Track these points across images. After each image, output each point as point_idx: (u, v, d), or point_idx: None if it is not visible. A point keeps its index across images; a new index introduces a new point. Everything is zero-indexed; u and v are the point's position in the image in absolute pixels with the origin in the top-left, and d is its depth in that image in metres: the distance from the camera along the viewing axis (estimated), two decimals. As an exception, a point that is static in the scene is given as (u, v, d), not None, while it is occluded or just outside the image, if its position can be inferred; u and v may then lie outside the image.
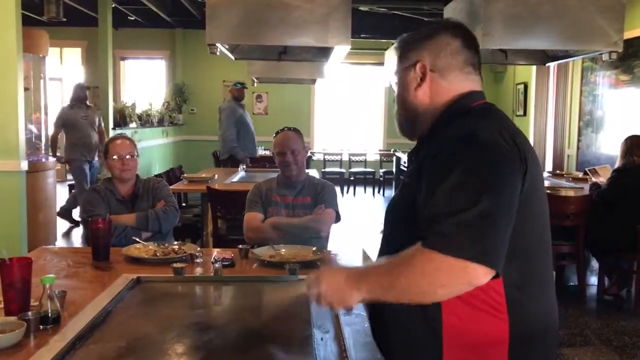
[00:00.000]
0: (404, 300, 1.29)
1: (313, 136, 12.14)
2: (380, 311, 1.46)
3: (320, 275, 1.41)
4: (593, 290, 5.01)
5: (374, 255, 1.58)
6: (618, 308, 4.72)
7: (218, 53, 3.40)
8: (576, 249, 4.69)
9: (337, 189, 3.36)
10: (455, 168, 1.24)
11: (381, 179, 10.77)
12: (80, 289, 2.12)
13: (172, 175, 5.85)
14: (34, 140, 6.54)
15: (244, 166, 6.43)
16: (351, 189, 10.77)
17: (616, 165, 4.79)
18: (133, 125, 9.25)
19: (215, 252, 2.65)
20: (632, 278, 4.80)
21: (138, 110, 9.87)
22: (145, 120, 10.01)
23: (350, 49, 3.31)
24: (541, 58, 4.54)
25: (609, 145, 6.79)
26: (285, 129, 3.20)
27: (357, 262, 2.47)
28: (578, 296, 4.75)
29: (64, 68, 12.06)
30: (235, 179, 5.65)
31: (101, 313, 1.82)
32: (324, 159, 11.17)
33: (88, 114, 7.21)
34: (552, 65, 5.88)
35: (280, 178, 3.17)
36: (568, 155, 8.00)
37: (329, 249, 2.89)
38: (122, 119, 9.07)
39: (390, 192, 10.43)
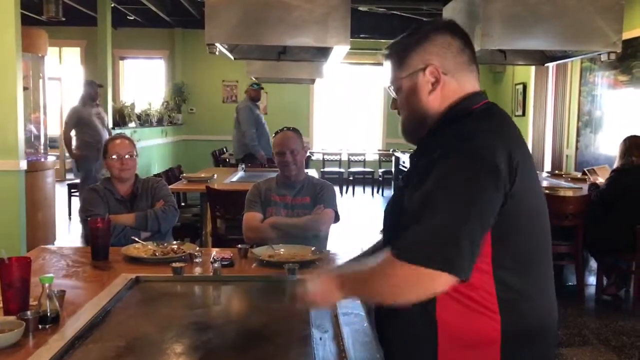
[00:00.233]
0: (381, 303, 1.42)
1: (312, 136, 12.14)
2: (383, 310, 1.47)
3: (312, 283, 1.47)
4: (591, 290, 5.01)
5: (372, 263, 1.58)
6: (616, 308, 4.72)
7: (217, 53, 3.40)
8: (575, 249, 4.70)
9: (336, 188, 3.36)
10: (433, 177, 1.28)
11: (380, 178, 10.77)
12: (79, 288, 2.13)
13: (171, 175, 5.85)
14: (33, 139, 6.54)
15: (244, 166, 6.43)
16: (350, 188, 10.77)
17: (615, 166, 4.80)
18: (132, 124, 9.25)
19: (215, 252, 2.65)
20: (630, 278, 4.81)
21: (137, 110, 9.88)
22: (144, 120, 10.01)
23: (350, 49, 3.31)
24: (540, 58, 4.54)
25: (607, 146, 6.79)
26: (285, 128, 3.21)
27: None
28: (577, 296, 4.76)
29: (63, 67, 12.05)
30: (235, 178, 5.66)
31: (100, 313, 1.82)
32: (323, 158, 11.17)
33: (99, 112, 7.20)
34: (551, 65, 5.89)
35: (279, 178, 3.17)
36: (567, 156, 8.01)
37: (328, 248, 2.90)
38: (121, 118, 9.07)
39: (389, 192, 10.43)
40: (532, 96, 9.16)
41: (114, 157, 3.14)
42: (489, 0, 3.38)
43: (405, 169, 7.49)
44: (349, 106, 12.32)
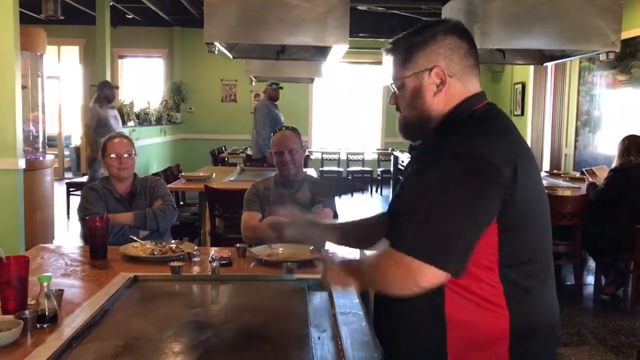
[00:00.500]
0: (376, 290, 1.49)
1: (311, 135, 12.14)
2: (386, 303, 1.46)
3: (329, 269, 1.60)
4: (590, 289, 5.02)
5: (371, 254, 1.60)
6: (615, 307, 4.73)
7: (216, 52, 3.40)
8: (573, 249, 4.70)
9: (335, 188, 3.36)
10: (429, 175, 1.32)
11: (379, 178, 10.77)
12: (77, 287, 2.13)
13: (169, 174, 5.85)
14: (31, 138, 6.53)
15: (242, 165, 6.43)
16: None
17: (613, 165, 4.80)
18: (131, 123, 9.24)
19: (213, 251, 2.64)
20: (628, 277, 4.82)
21: (136, 109, 9.87)
22: (143, 119, 10.01)
23: (348, 48, 3.31)
24: (539, 58, 4.55)
25: (606, 145, 6.80)
26: (283, 128, 3.20)
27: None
28: (575, 295, 4.77)
29: (62, 66, 12.04)
30: (233, 178, 5.66)
31: (98, 312, 1.82)
32: (322, 158, 11.17)
33: (115, 114, 7.25)
34: (550, 65, 5.89)
35: (278, 177, 3.17)
36: (565, 155, 8.02)
37: (326, 248, 2.89)
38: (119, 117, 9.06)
39: (388, 191, 10.43)
40: (531, 96, 9.17)
41: (112, 156, 3.14)
42: (488, 0, 3.39)
43: (404, 168, 7.48)
44: (347, 105, 12.32)
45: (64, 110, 11.86)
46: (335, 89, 12.12)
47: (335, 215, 3.08)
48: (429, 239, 1.27)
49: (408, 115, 1.47)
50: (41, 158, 6.34)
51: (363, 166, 11.02)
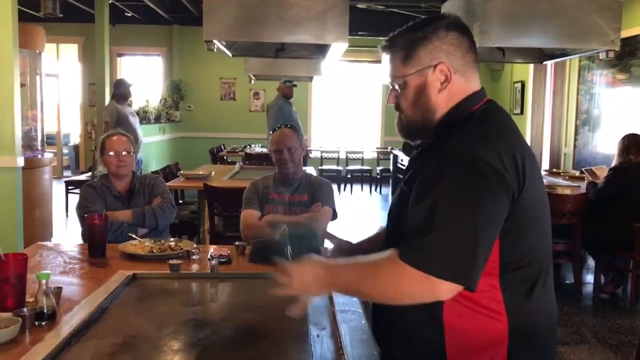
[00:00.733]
0: (370, 300, 1.43)
1: (310, 134, 12.13)
2: (386, 310, 1.46)
3: (295, 269, 1.41)
4: (589, 288, 5.02)
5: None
6: (614, 306, 4.73)
7: (215, 50, 3.39)
8: (573, 247, 4.70)
9: (334, 186, 3.36)
10: (440, 185, 1.25)
11: (378, 176, 10.76)
12: (76, 285, 2.12)
13: (168, 172, 5.84)
14: (30, 136, 6.51)
15: (241, 163, 6.42)
16: (348, 186, 10.77)
17: (613, 164, 4.80)
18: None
19: (212, 249, 2.64)
20: (628, 276, 4.82)
21: (135, 107, 9.85)
22: (142, 117, 9.99)
23: (348, 46, 3.30)
24: (538, 56, 4.54)
25: (605, 144, 6.80)
26: (282, 126, 3.20)
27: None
28: (574, 294, 4.77)
29: (61, 64, 12.01)
30: (232, 176, 5.65)
31: (97, 310, 1.82)
32: (321, 156, 11.16)
33: (132, 111, 7.30)
34: (550, 63, 5.88)
35: (277, 176, 3.16)
36: (565, 154, 8.02)
37: (325, 246, 2.89)
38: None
39: (387, 190, 10.43)
40: (531, 94, 9.17)
41: (111, 153, 3.14)
42: (488, -2, 3.38)
43: (404, 168, 7.45)
44: (347, 104, 12.31)
45: (62, 108, 11.84)
46: (335, 87, 12.11)
47: (335, 214, 3.08)
48: (445, 255, 1.21)
49: (411, 114, 1.42)
50: (40, 156, 6.33)
51: (362, 165, 11.01)
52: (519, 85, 9.76)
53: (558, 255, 4.80)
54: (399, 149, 9.32)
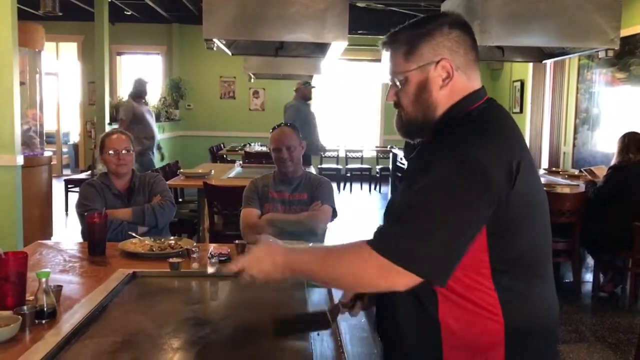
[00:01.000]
0: (329, 285, 1.45)
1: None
2: (386, 306, 1.46)
3: (252, 254, 1.47)
4: (588, 287, 5.03)
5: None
6: (613, 305, 4.74)
7: (215, 48, 3.40)
8: (572, 246, 4.71)
9: (334, 185, 3.36)
10: (425, 180, 1.26)
11: (378, 175, 10.77)
12: (76, 283, 2.12)
13: (168, 171, 5.85)
14: (30, 134, 6.51)
15: (240, 162, 6.43)
16: (348, 185, 10.77)
17: (612, 162, 4.80)
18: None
19: (212, 248, 2.64)
20: (627, 275, 4.82)
21: (134, 106, 9.84)
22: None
23: (347, 45, 3.31)
24: (538, 55, 4.55)
25: (604, 143, 6.81)
26: (282, 125, 3.20)
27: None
28: (573, 293, 4.78)
29: (60, 63, 12.01)
30: (232, 174, 5.66)
31: (97, 308, 1.82)
32: (321, 155, 11.15)
33: (149, 109, 7.30)
34: (549, 62, 5.88)
35: (276, 174, 3.16)
36: (564, 153, 8.02)
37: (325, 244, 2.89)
38: (118, 114, 9.05)
39: (387, 189, 10.43)
40: (530, 93, 9.17)
41: (110, 152, 3.14)
42: (487, -3, 3.39)
43: (403, 166, 7.45)
44: (346, 103, 12.31)
45: (62, 107, 11.84)
46: (334, 86, 12.11)
47: (334, 213, 3.08)
48: (411, 246, 1.22)
49: (412, 111, 1.41)
50: (39, 155, 6.32)
51: (362, 163, 11.02)
52: (518, 84, 9.77)
53: (557, 254, 4.80)
54: (399, 148, 9.33)
